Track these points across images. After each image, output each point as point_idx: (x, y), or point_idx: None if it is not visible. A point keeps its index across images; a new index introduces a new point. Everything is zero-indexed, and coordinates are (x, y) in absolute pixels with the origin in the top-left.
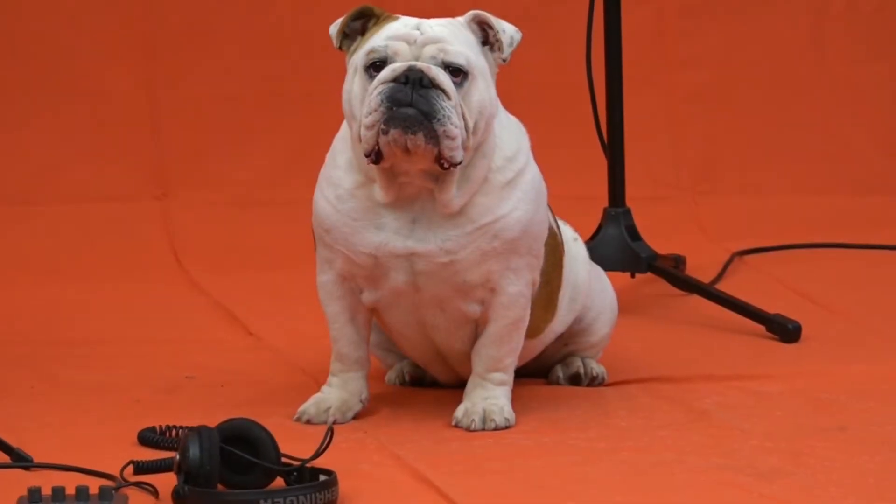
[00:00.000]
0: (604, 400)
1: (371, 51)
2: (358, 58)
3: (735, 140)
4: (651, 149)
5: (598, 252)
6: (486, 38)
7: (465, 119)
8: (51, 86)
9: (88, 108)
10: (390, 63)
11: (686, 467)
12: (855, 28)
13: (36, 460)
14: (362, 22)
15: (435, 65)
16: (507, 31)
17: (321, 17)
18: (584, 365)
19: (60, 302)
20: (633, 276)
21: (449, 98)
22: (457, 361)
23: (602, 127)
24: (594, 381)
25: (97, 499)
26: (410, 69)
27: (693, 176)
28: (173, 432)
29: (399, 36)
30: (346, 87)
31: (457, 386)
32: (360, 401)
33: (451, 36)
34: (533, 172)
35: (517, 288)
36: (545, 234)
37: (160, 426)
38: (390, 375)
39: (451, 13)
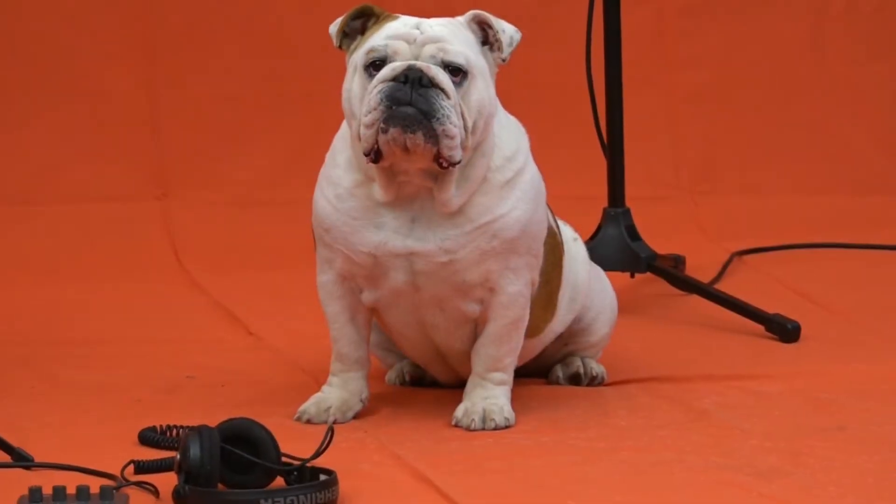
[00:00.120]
0: (603, 400)
1: (371, 50)
2: (357, 57)
3: (735, 140)
4: (651, 149)
5: (598, 252)
6: (486, 37)
7: (464, 118)
8: (51, 86)
9: (88, 108)
10: (390, 62)
11: (685, 467)
12: (855, 28)
13: (37, 460)
14: (362, 21)
15: (434, 64)
16: (507, 31)
17: (321, 16)
18: (584, 365)
19: (60, 302)
20: (632, 276)
21: (448, 97)
22: (456, 361)
23: (602, 127)
24: (594, 381)
25: (98, 498)
26: (410, 68)
27: (693, 176)
28: (174, 432)
29: (399, 35)
30: (345, 85)
31: (457, 386)
32: (361, 400)
33: (450, 35)
34: (532, 172)
35: (516, 287)
36: (544, 233)
37: (161, 426)
38: (390, 375)
39: (451, 13)
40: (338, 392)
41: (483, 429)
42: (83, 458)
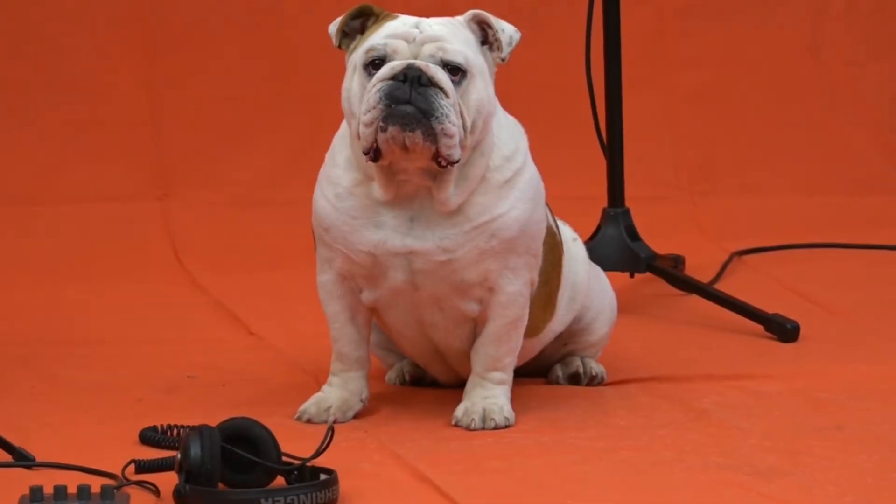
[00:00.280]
0: (603, 399)
1: (370, 49)
2: (357, 56)
3: (735, 140)
4: (650, 149)
5: (598, 252)
6: (486, 37)
7: (463, 117)
8: (51, 86)
9: (89, 109)
10: (389, 61)
11: (685, 466)
12: (854, 28)
13: (38, 459)
14: (361, 21)
15: (433, 63)
16: (507, 31)
17: (321, 17)
18: (584, 364)
19: (60, 302)
20: (632, 276)
21: (447, 96)
22: (456, 361)
23: (601, 127)
24: (593, 381)
25: (99, 498)
26: (409, 67)
27: (692, 176)
28: (174, 431)
29: (398, 34)
30: (345, 85)
31: (456, 385)
32: (361, 400)
33: (450, 35)
34: (531, 172)
35: (515, 287)
36: (543, 233)
37: (161, 425)
38: (390, 375)
39: (451, 13)
40: (338, 392)
41: (483, 428)
42: (84, 458)
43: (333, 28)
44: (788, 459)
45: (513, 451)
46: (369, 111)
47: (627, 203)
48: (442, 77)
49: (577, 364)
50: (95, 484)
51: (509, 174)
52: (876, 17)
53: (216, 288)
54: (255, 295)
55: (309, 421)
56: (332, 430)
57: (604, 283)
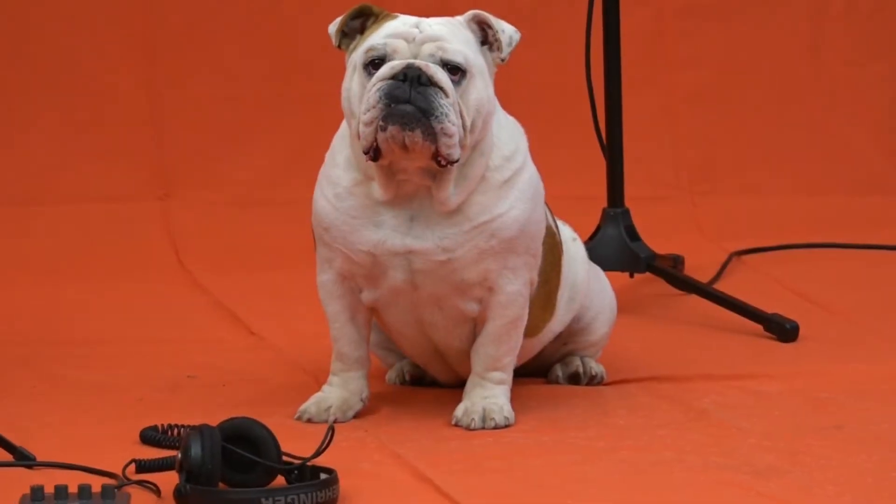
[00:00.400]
0: (603, 399)
1: (370, 48)
2: (357, 56)
3: (734, 140)
4: (650, 149)
5: (597, 252)
6: (486, 37)
7: (462, 117)
8: (52, 86)
9: (90, 109)
10: (389, 61)
11: (685, 466)
12: (854, 28)
13: (38, 459)
14: (361, 21)
15: (433, 63)
16: (507, 31)
17: (321, 17)
18: (584, 364)
19: (60, 302)
20: (631, 275)
21: (447, 96)
22: (456, 360)
23: (601, 127)
24: (593, 381)
25: (99, 497)
26: (409, 66)
27: (692, 176)
28: (175, 431)
29: (398, 34)
30: (345, 84)
31: (456, 385)
32: (361, 400)
33: (449, 34)
34: (530, 172)
35: (515, 287)
36: (542, 233)
37: (162, 425)
38: (390, 375)
39: (451, 13)
40: (338, 391)
41: (483, 428)
42: (85, 458)
43: (333, 28)
44: (788, 459)
45: (513, 450)
46: (369, 110)
47: (627, 203)
48: (442, 76)
49: (576, 364)
50: (96, 483)
51: (509, 174)
52: (876, 17)
53: (216, 288)
54: (256, 295)
55: (309, 421)
56: (332, 429)
57: (603, 282)
